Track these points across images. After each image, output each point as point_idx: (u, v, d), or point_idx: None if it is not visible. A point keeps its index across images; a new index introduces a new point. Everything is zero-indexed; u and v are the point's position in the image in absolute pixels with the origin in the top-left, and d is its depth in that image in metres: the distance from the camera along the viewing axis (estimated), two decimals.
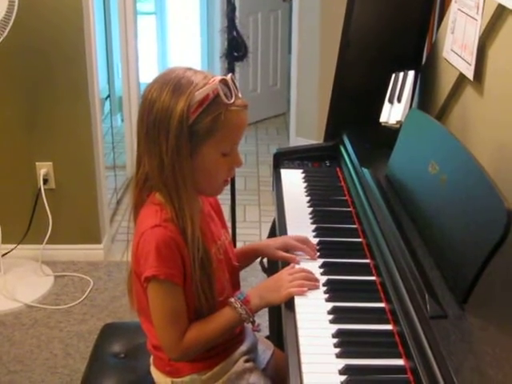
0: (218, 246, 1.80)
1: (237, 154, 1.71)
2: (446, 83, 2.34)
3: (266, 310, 2.59)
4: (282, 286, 1.72)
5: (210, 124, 1.59)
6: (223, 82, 1.62)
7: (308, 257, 1.93)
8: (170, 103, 1.58)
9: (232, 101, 1.61)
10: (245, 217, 4.68)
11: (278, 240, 2.00)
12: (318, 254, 1.94)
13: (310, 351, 1.52)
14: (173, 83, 1.60)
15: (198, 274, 1.66)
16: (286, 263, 1.89)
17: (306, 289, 1.72)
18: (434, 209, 1.75)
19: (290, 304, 1.70)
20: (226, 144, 1.65)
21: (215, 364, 1.80)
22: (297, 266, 1.85)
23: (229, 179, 1.75)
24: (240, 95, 1.66)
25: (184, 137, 1.58)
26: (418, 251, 1.71)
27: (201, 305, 1.70)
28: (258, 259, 2.21)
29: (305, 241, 1.97)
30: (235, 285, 1.90)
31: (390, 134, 2.29)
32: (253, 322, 1.77)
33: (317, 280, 1.77)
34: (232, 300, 1.72)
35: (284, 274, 1.78)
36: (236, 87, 1.65)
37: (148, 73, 5.93)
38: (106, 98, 5.48)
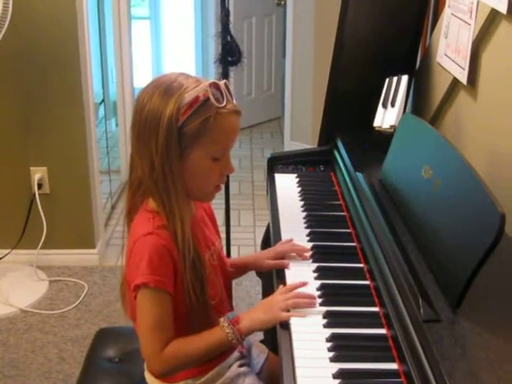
0: (211, 252, 1.80)
1: (228, 160, 1.70)
2: (439, 88, 2.35)
3: None
4: (275, 306, 1.68)
5: (200, 126, 1.59)
6: (214, 85, 1.62)
7: (299, 257, 1.95)
8: (160, 105, 1.58)
9: (223, 104, 1.62)
10: (239, 221, 4.68)
11: (267, 251, 2.02)
12: (312, 258, 1.95)
13: (303, 355, 1.52)
14: (164, 87, 1.61)
15: (189, 276, 1.65)
16: (281, 270, 1.90)
17: (301, 314, 1.67)
18: (428, 213, 1.76)
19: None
20: (215, 148, 1.65)
21: (210, 369, 1.80)
22: (289, 281, 1.84)
23: (220, 185, 1.75)
24: (234, 101, 1.66)
25: (173, 139, 1.58)
26: (412, 255, 1.72)
27: (192, 308, 1.69)
28: None
29: (293, 246, 1.99)
30: (228, 290, 1.90)
31: (384, 139, 2.30)
32: (240, 344, 1.74)
33: (312, 296, 1.73)
34: (221, 319, 1.69)
35: (276, 295, 1.75)
36: (229, 93, 1.65)
37: (142, 77, 5.94)
38: (101, 103, 5.47)
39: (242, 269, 2.04)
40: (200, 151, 1.62)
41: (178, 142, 1.59)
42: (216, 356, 1.78)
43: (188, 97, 1.58)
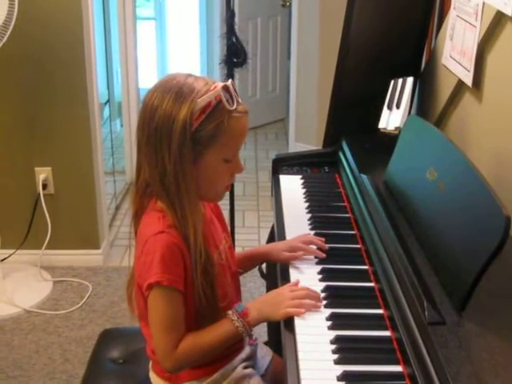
0: (219, 251, 1.80)
1: (238, 160, 1.71)
2: (444, 90, 2.35)
3: None
4: (282, 303, 1.69)
5: (213, 130, 1.59)
6: (225, 88, 1.62)
7: (312, 256, 1.95)
8: (173, 110, 1.57)
9: (234, 107, 1.62)
10: (244, 222, 4.68)
11: (283, 243, 2.01)
12: (316, 260, 1.95)
13: (308, 357, 1.52)
14: (174, 90, 1.60)
15: (199, 280, 1.65)
16: (285, 272, 1.89)
17: (304, 310, 1.68)
18: (433, 215, 1.76)
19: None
20: (228, 150, 1.65)
21: (215, 370, 1.80)
22: (294, 281, 1.83)
23: (229, 185, 1.75)
24: (240, 101, 1.66)
25: (187, 144, 1.58)
26: (417, 257, 1.71)
27: (202, 309, 1.69)
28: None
29: (311, 241, 1.98)
30: (237, 289, 1.90)
31: (389, 141, 2.30)
32: (250, 336, 1.76)
33: (319, 299, 1.73)
34: (229, 312, 1.70)
35: (285, 289, 1.75)
36: (236, 93, 1.66)
37: (147, 78, 5.93)
38: (106, 104, 5.48)
39: (256, 260, 2.05)
40: (213, 154, 1.63)
41: (191, 147, 1.58)
42: (222, 356, 1.79)
43: (201, 101, 1.57)
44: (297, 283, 1.80)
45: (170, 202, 1.64)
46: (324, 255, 1.95)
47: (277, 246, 2.01)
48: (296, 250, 1.95)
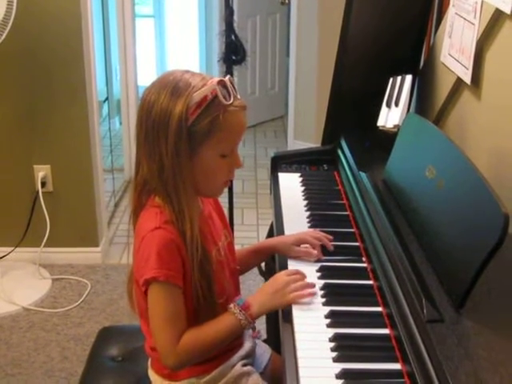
0: (218, 248, 1.79)
1: (236, 156, 1.71)
2: (443, 87, 2.34)
3: None
4: (282, 291, 1.70)
5: (209, 125, 1.59)
6: (221, 83, 1.62)
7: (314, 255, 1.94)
8: (169, 105, 1.58)
9: (230, 102, 1.62)
10: (242, 220, 4.68)
11: (293, 236, 2.00)
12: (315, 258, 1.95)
13: (307, 355, 1.52)
14: (171, 86, 1.60)
15: (196, 276, 1.65)
16: (284, 269, 1.88)
17: (306, 292, 1.70)
18: (431, 213, 1.75)
19: (287, 308, 1.70)
20: (225, 145, 1.65)
21: (213, 368, 1.80)
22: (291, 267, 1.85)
23: (229, 181, 1.75)
24: (238, 96, 1.67)
25: (183, 138, 1.58)
26: (415, 255, 1.71)
27: (200, 306, 1.69)
28: None
29: (319, 238, 1.98)
30: (236, 286, 1.90)
31: (388, 138, 2.30)
32: (253, 328, 1.76)
33: (313, 285, 1.75)
34: (231, 306, 1.70)
35: (282, 276, 1.75)
36: (234, 88, 1.66)
37: (146, 76, 5.92)
38: (104, 101, 5.48)
39: (264, 253, 2.05)
40: (209, 149, 1.63)
41: (187, 141, 1.59)
42: (220, 354, 1.79)
43: (196, 96, 1.58)
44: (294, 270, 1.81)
45: (168, 197, 1.64)
46: (322, 257, 1.95)
47: (284, 239, 2.01)
48: (301, 242, 1.96)
